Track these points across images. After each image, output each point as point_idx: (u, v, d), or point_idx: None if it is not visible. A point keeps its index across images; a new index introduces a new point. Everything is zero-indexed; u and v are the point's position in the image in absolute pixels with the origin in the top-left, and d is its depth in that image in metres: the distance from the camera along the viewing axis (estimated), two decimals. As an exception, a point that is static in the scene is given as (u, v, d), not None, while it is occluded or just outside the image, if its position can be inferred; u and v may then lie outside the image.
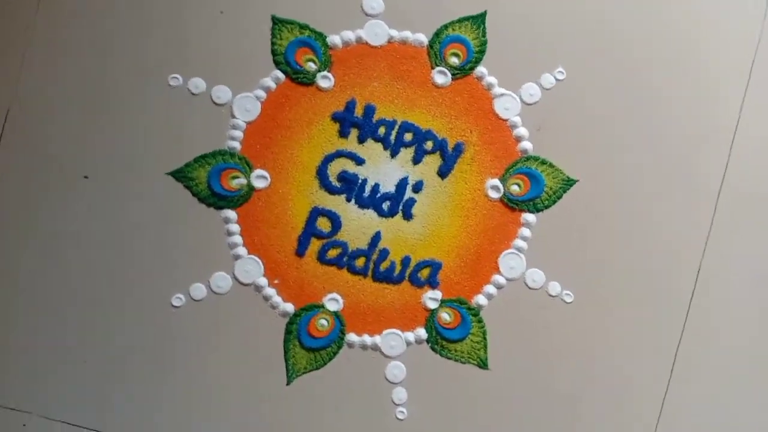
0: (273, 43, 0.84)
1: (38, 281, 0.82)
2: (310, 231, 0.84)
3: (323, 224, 0.84)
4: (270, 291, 0.83)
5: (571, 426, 0.84)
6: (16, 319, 0.82)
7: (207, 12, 0.84)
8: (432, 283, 0.84)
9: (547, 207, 0.86)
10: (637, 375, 0.85)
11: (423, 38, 0.85)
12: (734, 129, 0.86)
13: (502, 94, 0.86)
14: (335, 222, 0.84)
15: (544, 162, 0.86)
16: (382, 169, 0.85)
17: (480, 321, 0.85)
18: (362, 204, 0.84)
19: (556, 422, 0.84)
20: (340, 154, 0.84)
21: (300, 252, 0.83)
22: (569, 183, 0.86)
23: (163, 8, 0.84)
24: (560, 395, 0.84)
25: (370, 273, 0.84)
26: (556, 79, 0.86)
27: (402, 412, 0.83)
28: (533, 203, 0.86)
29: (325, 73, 0.84)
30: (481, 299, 0.85)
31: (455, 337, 0.84)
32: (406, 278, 0.84)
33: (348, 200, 0.84)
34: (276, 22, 0.84)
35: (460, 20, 0.86)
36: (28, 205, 0.82)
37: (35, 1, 0.84)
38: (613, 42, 0.86)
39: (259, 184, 0.83)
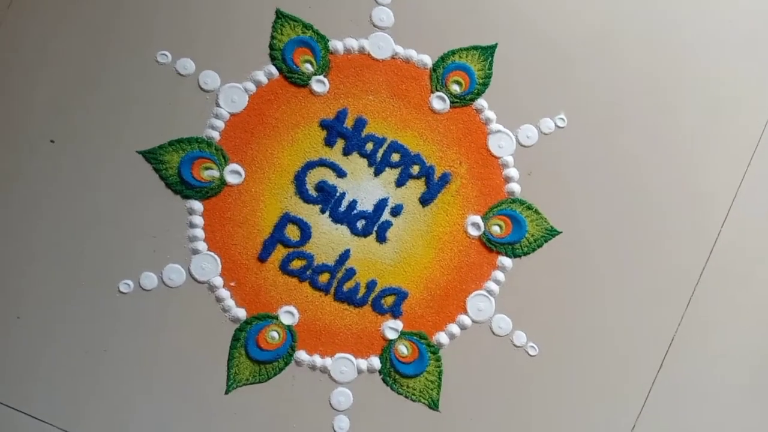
0: (273, 37, 0.81)
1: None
2: (277, 237, 0.79)
3: (292, 232, 0.80)
4: (224, 292, 0.78)
5: None
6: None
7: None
8: (395, 312, 0.80)
9: (525, 254, 0.83)
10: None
11: (428, 60, 0.82)
12: (735, 189, 0.84)
13: (498, 131, 0.83)
14: (305, 232, 0.80)
15: (530, 207, 0.83)
16: (363, 186, 0.81)
17: (438, 359, 0.81)
18: (336, 218, 0.81)
19: None
20: (322, 163, 0.81)
21: (263, 257, 0.79)
22: (552, 233, 0.83)
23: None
24: None
25: (332, 291, 0.80)
26: (557, 126, 0.83)
27: None
28: (512, 247, 0.82)
29: (320, 77, 0.81)
30: (442, 337, 0.81)
31: (410, 372, 0.80)
32: (369, 303, 0.80)
33: (322, 212, 0.80)
34: (280, 16, 0.81)
35: (469, 48, 0.83)
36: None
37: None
38: (620, 96, 0.84)
39: (231, 179, 0.79)
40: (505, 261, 0.82)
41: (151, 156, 0.78)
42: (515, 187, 0.83)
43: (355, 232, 0.81)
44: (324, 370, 0.79)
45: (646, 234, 0.84)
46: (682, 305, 0.83)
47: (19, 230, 0.77)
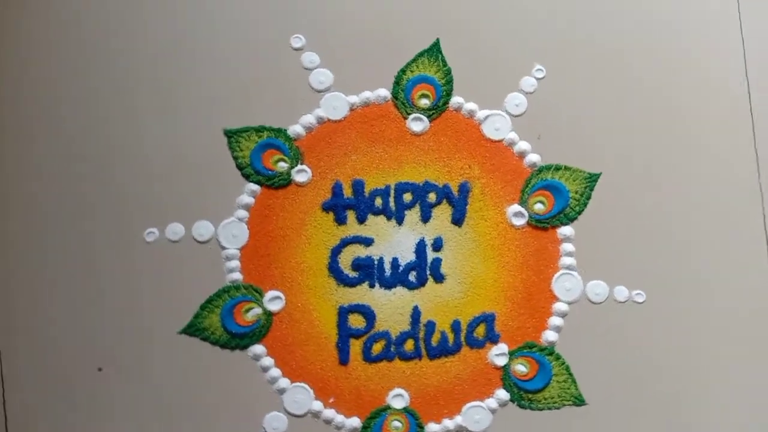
0: (235, 158, 0.78)
1: None
2: (345, 334, 0.76)
3: (356, 321, 0.76)
4: (329, 413, 0.75)
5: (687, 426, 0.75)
6: None
7: (160, 153, 0.78)
8: (492, 339, 0.76)
9: (579, 213, 0.78)
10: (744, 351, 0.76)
11: (385, 92, 0.78)
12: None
13: (487, 117, 0.78)
14: (367, 314, 0.76)
15: (558, 168, 0.78)
16: (395, 241, 0.77)
17: (558, 358, 0.76)
18: (387, 285, 0.77)
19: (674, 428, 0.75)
20: (345, 243, 0.77)
21: (343, 360, 0.76)
22: (593, 179, 0.78)
23: (124, 167, 0.78)
24: (667, 400, 0.75)
25: (424, 353, 0.76)
26: (537, 79, 0.78)
27: None
28: (564, 215, 0.77)
29: (299, 167, 0.78)
30: (549, 335, 0.76)
31: (539, 385, 0.75)
32: (464, 344, 0.76)
33: (371, 286, 0.77)
34: (229, 135, 0.78)
35: (415, 59, 0.79)
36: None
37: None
38: (584, 25, 0.79)
39: (274, 306, 0.76)
40: (565, 230, 0.77)
41: (193, 329, 0.75)
42: (533, 157, 0.78)
43: (411, 286, 0.77)
44: (460, 429, 0.75)
45: (681, 144, 0.78)
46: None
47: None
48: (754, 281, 0.77)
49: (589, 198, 0.78)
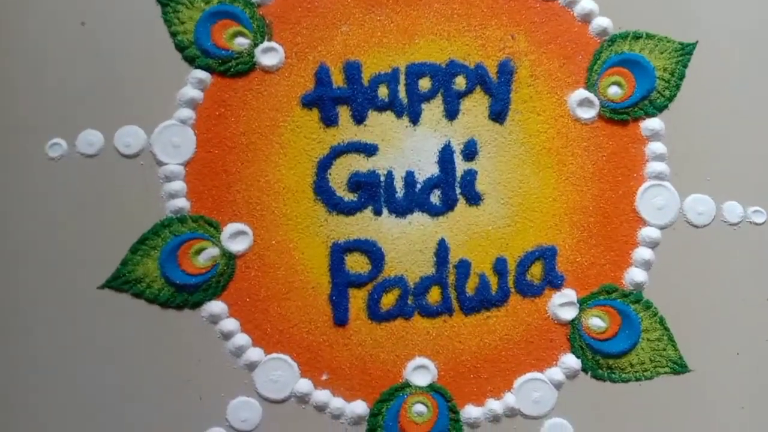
0: (173, 34, 0.55)
1: None
2: (342, 282, 0.54)
3: (357, 264, 0.54)
4: (321, 395, 0.53)
5: None
6: None
7: (66, 32, 0.55)
8: (554, 283, 0.54)
9: (671, 99, 0.57)
10: None
11: (386, -69, 0.55)
12: None
13: (535, -37, 0.56)
14: (373, 253, 0.54)
15: (638, 36, 0.57)
16: (408, 147, 0.56)
17: (648, 307, 0.55)
18: (400, 210, 0.55)
19: None
20: (337, 153, 0.55)
21: (340, 319, 0.53)
22: (687, 50, 0.57)
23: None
24: None
25: (456, 306, 0.54)
26: None
27: None
28: (650, 102, 0.56)
29: (265, 44, 0.55)
30: (636, 274, 0.55)
31: (624, 346, 0.54)
32: (513, 290, 0.54)
33: (377, 213, 0.55)
34: (164, 2, 0.55)
35: None
36: None
37: None
38: None
39: (237, 246, 0.53)
40: (653, 123, 0.57)
41: (119, 282, 0.53)
42: (603, 21, 0.57)
43: (435, 211, 0.55)
44: (512, 413, 0.53)
45: None
46: None
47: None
48: None
49: (682, 77, 0.57)
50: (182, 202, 0.54)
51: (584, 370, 0.54)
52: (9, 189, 0.54)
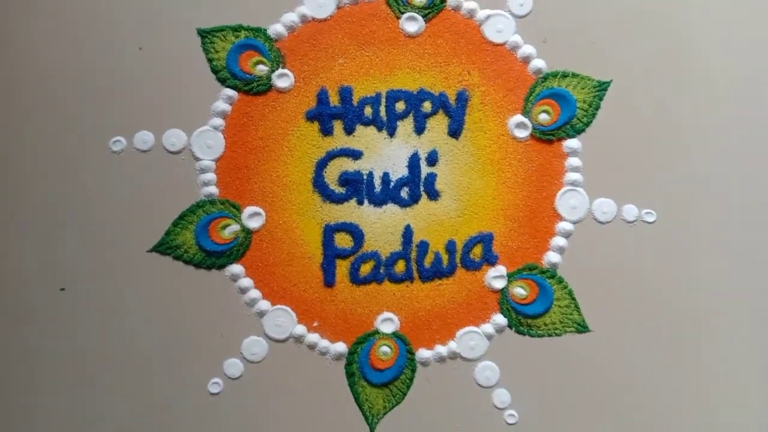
0: (210, 60, 0.70)
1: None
2: (331, 254, 0.70)
3: (343, 241, 0.71)
4: (313, 337, 0.70)
5: (697, 355, 0.71)
6: None
7: (126, 55, 0.71)
8: (490, 260, 0.70)
9: (587, 124, 0.72)
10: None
11: (375, -13, 0.71)
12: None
13: (488, 17, 0.71)
14: (355, 233, 0.70)
15: (565, 75, 0.71)
16: (386, 154, 0.71)
17: (560, 281, 0.71)
18: (377, 201, 0.71)
19: (683, 357, 0.71)
20: (331, 156, 0.71)
21: (329, 281, 0.70)
22: (602, 87, 0.71)
23: (76, 68, 0.71)
24: (675, 327, 0.71)
25: (416, 275, 0.70)
26: (543, -25, 0.71)
27: (512, 415, 0.70)
28: (570, 126, 0.71)
29: (280, 71, 0.71)
30: (552, 257, 0.71)
31: (540, 309, 0.70)
32: (459, 265, 0.70)
33: (360, 203, 0.71)
34: (204, 35, 0.71)
35: (409, -50, 0.71)
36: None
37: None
38: None
39: (253, 224, 0.70)
40: (572, 143, 0.71)
41: (165, 247, 0.69)
42: (538, 63, 0.71)
43: (404, 203, 0.71)
44: (454, 356, 0.70)
45: (700, 52, 0.71)
46: None
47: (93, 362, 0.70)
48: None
49: (597, 108, 0.71)
50: (213, 189, 0.70)
51: (509, 326, 0.70)
52: (80, 176, 0.70)
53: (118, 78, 0.71)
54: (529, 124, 0.71)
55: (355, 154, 0.71)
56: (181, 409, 0.69)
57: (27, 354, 0.70)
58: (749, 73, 0.72)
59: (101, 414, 0.69)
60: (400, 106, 0.71)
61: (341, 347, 0.70)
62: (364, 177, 0.71)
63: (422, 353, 0.70)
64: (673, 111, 0.72)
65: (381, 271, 0.70)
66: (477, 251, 0.70)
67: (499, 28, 0.71)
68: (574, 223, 0.71)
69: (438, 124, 0.71)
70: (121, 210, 0.70)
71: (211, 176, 0.70)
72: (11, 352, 0.70)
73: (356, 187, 0.71)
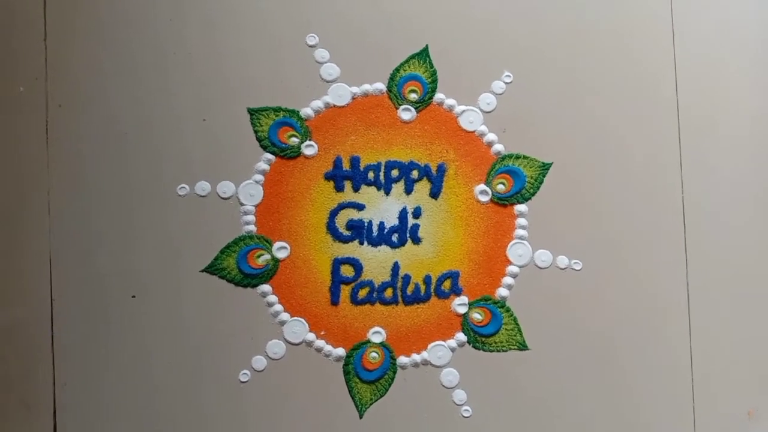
0: (256, 132, 0.93)
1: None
2: (337, 280, 0.91)
3: (347, 271, 0.92)
4: (320, 342, 0.90)
5: (612, 370, 0.91)
6: None
7: (192, 123, 0.92)
8: (456, 291, 0.92)
9: (533, 194, 0.93)
10: (658, 305, 0.93)
11: (381, 86, 0.93)
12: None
13: (463, 111, 0.94)
14: (356, 266, 0.92)
15: (518, 157, 0.93)
16: (382, 208, 0.92)
17: (508, 310, 0.91)
18: (374, 243, 0.92)
19: (601, 370, 0.91)
20: (342, 207, 0.92)
21: (334, 301, 0.91)
22: (545, 167, 0.93)
23: (159, 130, 0.93)
24: (598, 348, 0.91)
25: (400, 300, 0.91)
26: (505, 83, 0.95)
27: (467, 410, 0.89)
28: (520, 195, 0.93)
29: (307, 142, 0.93)
30: (502, 291, 0.92)
31: (491, 330, 0.90)
32: (433, 294, 0.91)
33: (361, 243, 0.92)
34: (252, 113, 0.94)
35: (408, 60, 0.94)
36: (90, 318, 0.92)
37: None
38: (545, 41, 0.95)
39: (281, 254, 0.92)
40: (521, 208, 0.92)
41: (213, 269, 0.90)
42: (499, 147, 0.93)
43: (394, 246, 0.92)
44: (425, 363, 0.90)
45: (621, 132, 0.95)
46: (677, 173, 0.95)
47: (134, 367, 0.91)
48: (669, 256, 0.94)
49: (541, 182, 0.91)
50: (252, 227, 0.91)
51: (468, 342, 0.88)
52: (153, 213, 0.88)
53: (187, 141, 0.90)
54: (490, 192, 0.92)
55: (359, 207, 0.91)
56: (218, 393, 0.89)
57: (101, 348, 0.89)
58: (657, 154, 0.96)
59: (157, 392, 0.89)
60: (394, 172, 0.91)
61: (341, 351, 0.89)
62: (365, 224, 0.90)
63: (402, 359, 0.89)
64: (597, 186, 0.92)
65: (374, 295, 0.90)
66: (447, 284, 0.90)
67: (471, 120, 0.94)
68: (520, 267, 0.90)
69: (422, 187, 0.92)
70: (183, 238, 0.88)
71: (251, 218, 0.91)
72: (90, 344, 0.91)
73: (359, 231, 0.91)
